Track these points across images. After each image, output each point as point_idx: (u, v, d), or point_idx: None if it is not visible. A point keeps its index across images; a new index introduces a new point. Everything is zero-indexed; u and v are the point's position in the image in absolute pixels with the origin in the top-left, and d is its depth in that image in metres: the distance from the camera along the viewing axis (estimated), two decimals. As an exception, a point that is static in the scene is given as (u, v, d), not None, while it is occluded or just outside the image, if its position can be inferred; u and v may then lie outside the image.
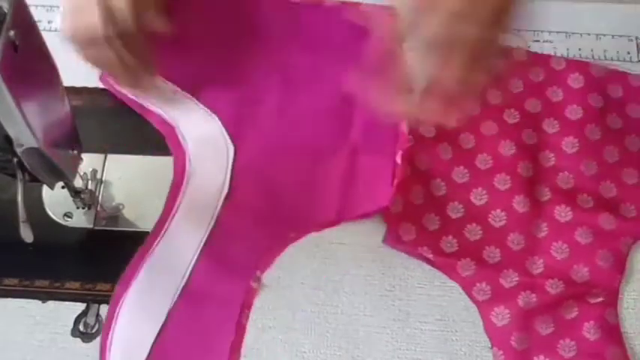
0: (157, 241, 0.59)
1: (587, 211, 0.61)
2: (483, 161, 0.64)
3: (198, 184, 0.62)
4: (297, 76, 0.66)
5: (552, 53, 0.70)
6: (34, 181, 0.52)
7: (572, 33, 0.71)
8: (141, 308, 0.57)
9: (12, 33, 0.42)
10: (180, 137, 0.64)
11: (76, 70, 0.66)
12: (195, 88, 0.66)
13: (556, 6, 0.73)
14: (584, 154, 0.64)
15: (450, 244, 0.60)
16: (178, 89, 0.66)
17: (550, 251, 0.60)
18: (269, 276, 0.59)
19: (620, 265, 0.59)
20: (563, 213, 0.61)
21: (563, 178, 0.63)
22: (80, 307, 0.58)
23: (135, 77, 0.60)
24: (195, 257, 0.59)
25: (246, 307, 0.58)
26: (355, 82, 0.54)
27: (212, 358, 0.56)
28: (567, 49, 0.70)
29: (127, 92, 0.65)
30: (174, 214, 0.60)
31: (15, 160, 0.49)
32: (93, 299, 0.58)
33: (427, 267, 0.60)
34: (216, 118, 0.65)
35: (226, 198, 0.61)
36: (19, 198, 0.51)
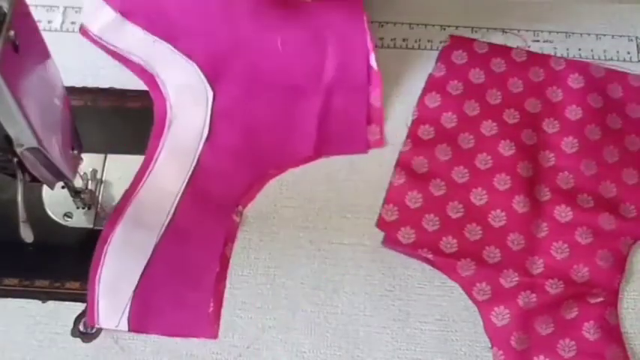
0: (141, 184, 0.61)
1: (587, 211, 0.61)
2: (483, 161, 0.64)
3: (180, 128, 0.64)
4: (270, 20, 0.67)
5: (552, 53, 0.70)
6: (34, 181, 0.52)
7: (572, 33, 0.71)
8: (128, 245, 0.59)
9: (12, 33, 0.42)
10: (160, 85, 0.66)
11: (76, 70, 0.67)
12: (173, 36, 0.68)
13: (556, 6, 0.73)
14: (584, 154, 0.64)
15: (449, 244, 0.60)
16: (157, 38, 0.68)
17: (550, 251, 0.60)
18: (268, 274, 0.59)
19: (620, 265, 0.59)
20: (563, 213, 0.61)
21: (563, 178, 0.63)
22: (80, 307, 0.58)
23: None
24: (179, 196, 0.61)
25: (229, 240, 0.60)
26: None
27: (198, 290, 0.58)
28: (567, 49, 0.70)
29: (107, 44, 0.68)
30: (156, 158, 0.63)
31: (15, 160, 0.49)
32: (93, 299, 0.58)
33: (427, 267, 0.60)
34: (195, 65, 0.67)
35: (207, 140, 0.64)
36: (19, 198, 0.51)
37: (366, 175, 0.63)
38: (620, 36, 0.71)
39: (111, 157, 0.64)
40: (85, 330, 0.57)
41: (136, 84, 0.67)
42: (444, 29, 0.71)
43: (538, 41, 0.71)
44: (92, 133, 0.63)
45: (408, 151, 0.64)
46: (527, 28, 0.71)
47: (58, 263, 0.60)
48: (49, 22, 0.71)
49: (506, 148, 0.64)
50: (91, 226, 0.61)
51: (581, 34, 0.71)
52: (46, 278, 0.59)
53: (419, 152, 0.64)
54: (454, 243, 0.60)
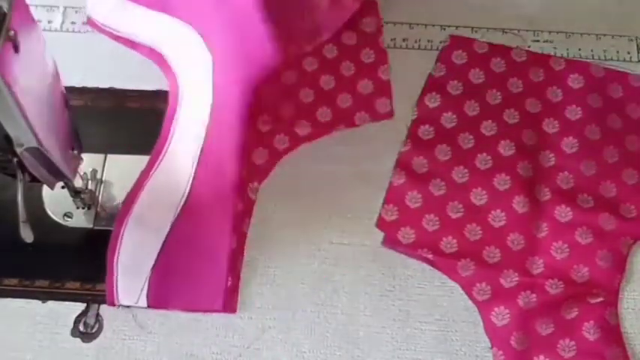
0: (156, 164, 0.62)
1: (587, 211, 0.61)
2: (483, 161, 0.64)
3: (188, 102, 0.64)
4: None
5: (552, 53, 0.70)
6: (34, 181, 0.52)
7: (572, 33, 0.71)
8: (144, 225, 0.59)
9: (12, 33, 0.42)
10: (168, 62, 0.66)
11: (76, 70, 0.67)
12: (170, 6, 0.67)
13: (556, 6, 0.73)
14: (584, 154, 0.64)
15: (449, 244, 0.60)
16: (156, 12, 0.67)
17: (550, 251, 0.60)
18: (268, 274, 0.59)
19: (620, 265, 0.59)
20: (563, 213, 0.61)
21: (563, 178, 0.63)
22: (80, 307, 0.58)
23: None
24: (193, 175, 0.61)
25: (246, 216, 0.61)
26: None
27: (215, 266, 0.58)
28: (567, 49, 0.70)
29: (113, 30, 0.68)
30: (170, 138, 0.63)
31: (15, 160, 0.49)
32: (93, 299, 0.58)
33: (427, 267, 0.60)
34: (191, 28, 0.65)
35: (212, 108, 0.63)
36: (19, 198, 0.51)
37: (366, 175, 0.63)
38: (620, 36, 0.71)
39: (111, 157, 0.64)
40: (85, 330, 0.57)
41: (136, 84, 0.67)
42: (444, 29, 0.71)
43: (538, 41, 0.71)
44: (92, 133, 0.63)
45: (408, 151, 0.64)
46: (527, 28, 0.71)
47: (58, 263, 0.60)
48: (49, 22, 0.71)
49: (506, 148, 0.64)
50: (91, 226, 0.61)
51: (581, 34, 0.71)
52: (46, 278, 0.59)
53: (419, 152, 0.64)
54: (454, 243, 0.60)
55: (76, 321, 0.57)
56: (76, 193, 0.59)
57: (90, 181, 0.61)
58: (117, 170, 0.63)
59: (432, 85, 0.68)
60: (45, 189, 0.62)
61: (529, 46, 0.70)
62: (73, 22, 0.71)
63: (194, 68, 0.65)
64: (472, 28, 0.71)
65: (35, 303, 0.58)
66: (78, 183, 0.59)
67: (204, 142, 0.62)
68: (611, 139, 0.65)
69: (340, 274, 0.59)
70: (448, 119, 0.66)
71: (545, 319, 0.57)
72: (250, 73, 0.61)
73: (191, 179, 0.61)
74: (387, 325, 0.57)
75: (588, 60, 0.69)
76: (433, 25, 0.71)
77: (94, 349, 0.56)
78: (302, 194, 0.62)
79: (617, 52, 0.70)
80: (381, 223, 0.61)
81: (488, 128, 0.65)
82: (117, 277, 0.58)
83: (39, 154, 0.49)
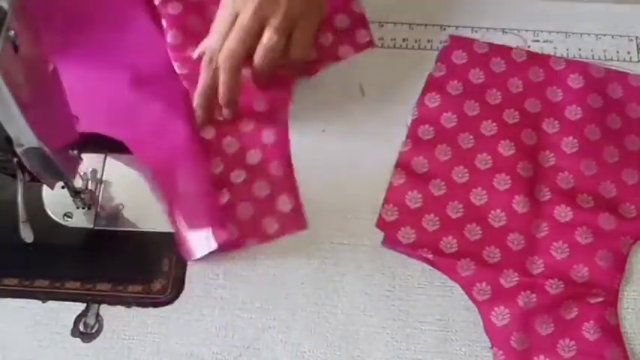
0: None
1: (587, 211, 0.61)
2: (483, 161, 0.64)
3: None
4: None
5: (552, 53, 0.70)
6: (34, 181, 0.52)
7: (572, 33, 0.71)
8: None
9: (12, 33, 0.42)
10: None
11: (76, 70, 0.67)
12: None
13: (556, 6, 0.73)
14: (584, 154, 0.64)
15: (449, 244, 0.60)
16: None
17: (550, 251, 0.60)
18: (268, 274, 0.59)
19: (620, 265, 0.59)
20: (563, 213, 0.61)
21: (563, 178, 0.63)
22: (80, 307, 0.58)
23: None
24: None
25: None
26: None
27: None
28: (567, 49, 0.70)
29: None
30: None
31: (15, 160, 0.49)
32: (93, 299, 0.58)
33: (427, 267, 0.60)
34: None
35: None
36: (19, 198, 0.51)
37: (366, 175, 0.63)
38: (620, 36, 0.71)
39: (111, 157, 0.64)
40: (85, 330, 0.57)
41: (136, 84, 0.67)
42: (444, 29, 0.71)
43: (538, 41, 0.71)
44: (92, 133, 0.63)
45: (407, 151, 0.64)
46: (527, 28, 0.71)
47: (58, 263, 0.60)
48: (49, 22, 0.71)
49: (506, 148, 0.64)
50: (91, 226, 0.61)
51: (581, 34, 0.71)
52: (46, 278, 0.59)
53: (419, 152, 0.64)
54: (454, 243, 0.60)
55: (76, 321, 0.57)
56: (76, 193, 0.59)
57: (90, 181, 0.61)
58: (117, 170, 0.63)
59: (432, 85, 0.68)
60: (45, 189, 0.62)
61: (529, 46, 0.70)
62: (73, 22, 0.71)
63: None
64: (472, 28, 0.71)
65: (35, 303, 0.58)
66: (78, 183, 0.59)
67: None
68: (611, 139, 0.65)
69: (340, 274, 0.59)
70: (448, 119, 0.66)
71: (545, 319, 0.57)
72: None
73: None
74: (387, 325, 0.57)
75: (588, 60, 0.69)
76: (433, 25, 0.71)
77: (94, 349, 0.56)
78: (302, 194, 0.62)
79: (617, 52, 0.70)
80: (381, 223, 0.61)
81: (488, 128, 0.65)
82: (184, 233, 0.60)
83: (39, 154, 0.49)
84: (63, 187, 0.59)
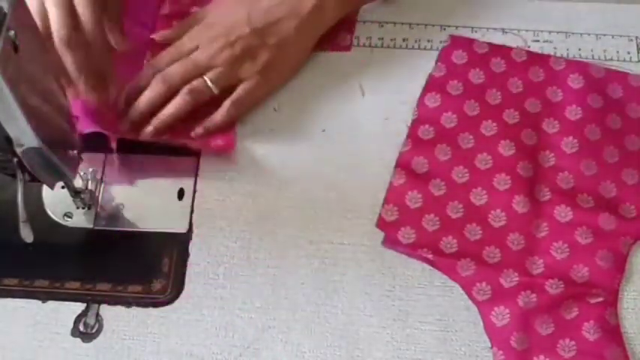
0: None
1: (587, 211, 0.61)
2: (483, 161, 0.64)
3: None
4: None
5: (552, 53, 0.70)
6: (34, 181, 0.52)
7: (572, 33, 0.71)
8: None
9: (12, 33, 0.42)
10: None
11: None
12: None
13: (556, 6, 0.73)
14: (584, 154, 0.64)
15: (449, 244, 0.60)
16: None
17: (550, 251, 0.60)
18: (268, 274, 0.59)
19: (620, 265, 0.59)
20: (563, 213, 0.61)
21: (563, 178, 0.63)
22: (80, 307, 0.58)
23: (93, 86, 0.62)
24: None
25: None
26: None
27: None
28: (567, 49, 0.70)
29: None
30: None
31: (15, 160, 0.49)
32: (93, 299, 0.58)
33: (427, 267, 0.60)
34: None
35: None
36: (19, 198, 0.51)
37: (366, 175, 0.63)
38: (620, 36, 0.71)
39: (111, 157, 0.64)
40: (85, 330, 0.57)
41: (136, 84, 0.67)
42: (444, 29, 0.71)
43: (538, 41, 0.71)
44: (92, 133, 0.63)
45: (408, 151, 0.64)
46: (527, 28, 0.71)
47: (58, 263, 0.60)
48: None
49: (506, 148, 0.64)
50: (91, 226, 0.61)
51: (581, 34, 0.71)
52: (46, 278, 0.59)
53: (419, 152, 0.64)
54: (454, 243, 0.60)
55: (76, 321, 0.57)
56: (76, 193, 0.59)
57: (90, 181, 0.61)
58: (117, 170, 0.63)
59: (432, 85, 0.68)
60: (45, 189, 0.62)
61: (529, 46, 0.70)
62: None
63: None
64: (472, 28, 0.71)
65: (35, 303, 0.58)
66: (78, 183, 0.59)
67: None
68: (611, 139, 0.65)
69: (340, 274, 0.59)
70: (448, 119, 0.66)
71: (545, 319, 0.57)
72: None
73: None
74: (387, 325, 0.57)
75: (588, 60, 0.69)
76: (433, 25, 0.71)
77: (94, 349, 0.56)
78: (302, 194, 0.62)
79: (617, 52, 0.70)
80: (381, 223, 0.61)
81: (488, 128, 0.65)
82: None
83: (39, 154, 0.49)
84: (63, 187, 0.59)
